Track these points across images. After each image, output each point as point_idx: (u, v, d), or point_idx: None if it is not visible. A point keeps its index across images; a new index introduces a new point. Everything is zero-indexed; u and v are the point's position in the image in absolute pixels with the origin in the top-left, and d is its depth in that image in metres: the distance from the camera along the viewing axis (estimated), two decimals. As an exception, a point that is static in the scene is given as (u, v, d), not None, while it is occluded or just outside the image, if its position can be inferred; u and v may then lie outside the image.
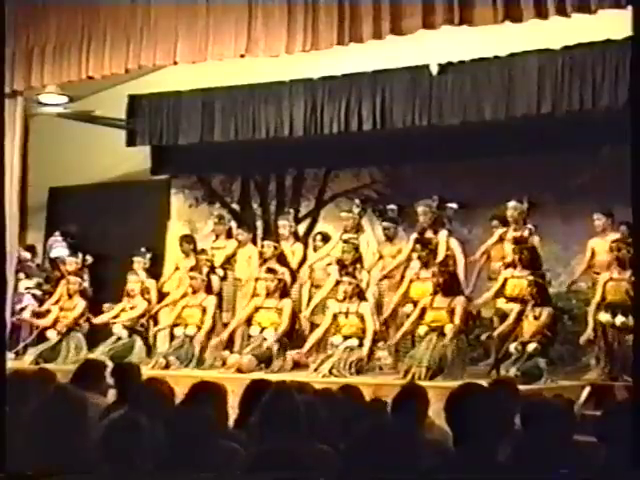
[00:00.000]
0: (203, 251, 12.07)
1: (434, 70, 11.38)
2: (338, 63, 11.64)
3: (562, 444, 4.53)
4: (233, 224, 12.53)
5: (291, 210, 12.55)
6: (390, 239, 11.27)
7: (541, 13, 8.49)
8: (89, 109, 13.68)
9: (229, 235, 12.16)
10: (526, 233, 10.68)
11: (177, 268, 12.37)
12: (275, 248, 11.45)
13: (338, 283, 10.81)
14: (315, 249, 11.86)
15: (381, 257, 11.26)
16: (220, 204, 13.75)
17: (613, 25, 9.08)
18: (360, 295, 10.56)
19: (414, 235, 10.89)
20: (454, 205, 11.02)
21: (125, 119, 13.54)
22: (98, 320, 12.13)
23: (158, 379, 5.86)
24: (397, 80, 11.68)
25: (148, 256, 12.48)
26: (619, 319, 9.65)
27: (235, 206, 13.76)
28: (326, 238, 11.85)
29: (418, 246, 10.64)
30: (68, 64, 10.87)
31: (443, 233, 10.88)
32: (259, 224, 13.54)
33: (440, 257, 10.60)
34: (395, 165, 12.75)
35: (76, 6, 10.89)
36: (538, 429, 4.60)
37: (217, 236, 12.20)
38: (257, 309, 11.04)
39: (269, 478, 3.64)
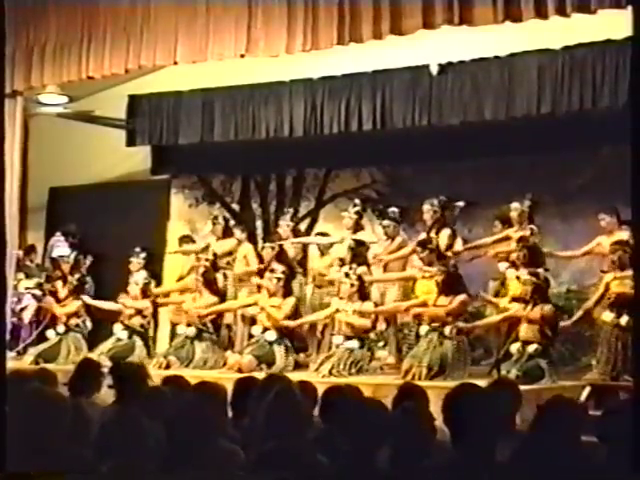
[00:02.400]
0: (202, 251, 12.08)
1: (434, 70, 11.35)
2: (338, 63, 11.62)
3: (565, 444, 4.52)
4: (232, 224, 12.53)
5: (290, 209, 12.54)
6: (390, 238, 11.28)
7: (541, 13, 8.47)
8: (89, 109, 13.67)
9: (230, 235, 12.17)
10: (528, 233, 10.68)
11: (178, 270, 12.37)
12: (273, 249, 11.49)
13: (340, 282, 10.82)
14: (318, 249, 11.87)
15: (382, 256, 11.28)
16: (220, 204, 13.73)
17: (613, 25, 9.06)
18: (361, 294, 10.56)
19: (422, 235, 10.91)
20: (460, 203, 11.02)
21: (125, 119, 13.53)
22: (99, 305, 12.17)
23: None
24: (397, 80, 11.66)
25: (142, 255, 12.45)
26: (624, 319, 9.62)
27: (235, 206, 13.74)
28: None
29: (420, 246, 10.65)
30: (68, 64, 10.85)
31: (445, 232, 10.89)
32: (259, 224, 13.53)
33: (442, 256, 10.61)
34: (395, 165, 12.72)
35: (76, 6, 10.87)
36: (538, 429, 4.59)
37: (218, 236, 12.21)
38: (260, 309, 11.05)
39: (269, 478, 3.64)
